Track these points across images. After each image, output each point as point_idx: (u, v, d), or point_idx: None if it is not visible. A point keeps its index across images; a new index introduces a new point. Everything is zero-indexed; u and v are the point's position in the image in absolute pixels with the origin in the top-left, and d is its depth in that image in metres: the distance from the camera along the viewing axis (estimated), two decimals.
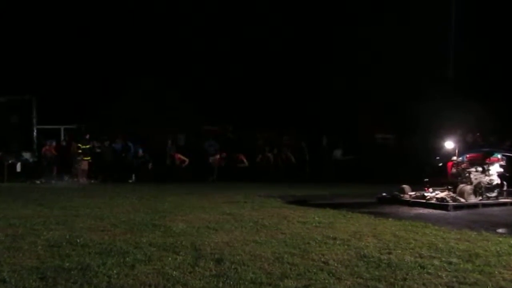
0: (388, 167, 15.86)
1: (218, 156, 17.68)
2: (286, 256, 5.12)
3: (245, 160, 17.93)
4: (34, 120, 18.59)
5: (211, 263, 4.85)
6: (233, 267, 4.69)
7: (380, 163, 16.58)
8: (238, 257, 5.05)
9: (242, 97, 20.99)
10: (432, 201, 9.78)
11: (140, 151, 17.30)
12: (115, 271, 4.51)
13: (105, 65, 20.12)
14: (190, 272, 4.53)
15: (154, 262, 4.88)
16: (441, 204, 9.49)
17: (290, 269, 4.63)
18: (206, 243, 5.77)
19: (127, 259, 4.95)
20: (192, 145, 18.21)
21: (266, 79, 21.27)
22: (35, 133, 18.55)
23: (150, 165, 17.13)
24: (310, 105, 20.29)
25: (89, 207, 9.06)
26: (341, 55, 20.72)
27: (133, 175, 16.88)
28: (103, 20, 20.63)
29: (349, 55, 20.65)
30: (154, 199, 10.56)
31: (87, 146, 16.47)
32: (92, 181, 16.24)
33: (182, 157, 17.48)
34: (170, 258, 5.01)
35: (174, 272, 4.51)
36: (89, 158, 16.41)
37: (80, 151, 16.19)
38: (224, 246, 5.63)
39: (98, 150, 17.01)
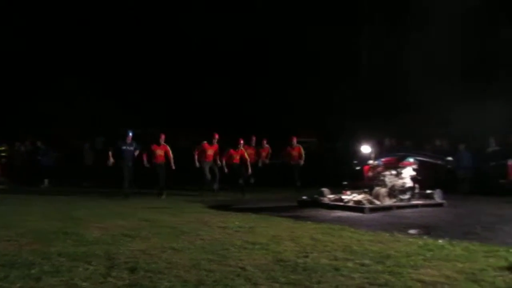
0: (309, 170, 16.18)
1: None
2: (203, 262, 5.03)
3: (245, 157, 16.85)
4: None
5: (125, 272, 4.64)
6: (147, 275, 4.52)
7: (301, 167, 16.86)
8: (153, 265, 4.89)
9: (167, 99, 20.64)
10: (350, 204, 10.09)
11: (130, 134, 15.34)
12: (18, 285, 4.21)
13: (18, 63, 18.97)
14: (101, 283, 4.31)
15: (62, 273, 4.59)
16: (358, 207, 9.81)
17: (207, 275, 4.54)
18: (121, 251, 5.55)
19: (33, 271, 4.63)
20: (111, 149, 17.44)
21: (192, 80, 21.07)
22: None
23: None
24: (234, 108, 20.31)
25: None
26: (257, 57, 20.92)
27: (46, 180, 15.96)
28: (15, 16, 19.47)
29: (265, 57, 20.90)
30: (69, 205, 10.04)
31: None
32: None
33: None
34: (80, 269, 4.75)
35: (84, 283, 4.28)
36: None
37: None
38: (140, 254, 5.43)
39: (3, 154, 15.83)
